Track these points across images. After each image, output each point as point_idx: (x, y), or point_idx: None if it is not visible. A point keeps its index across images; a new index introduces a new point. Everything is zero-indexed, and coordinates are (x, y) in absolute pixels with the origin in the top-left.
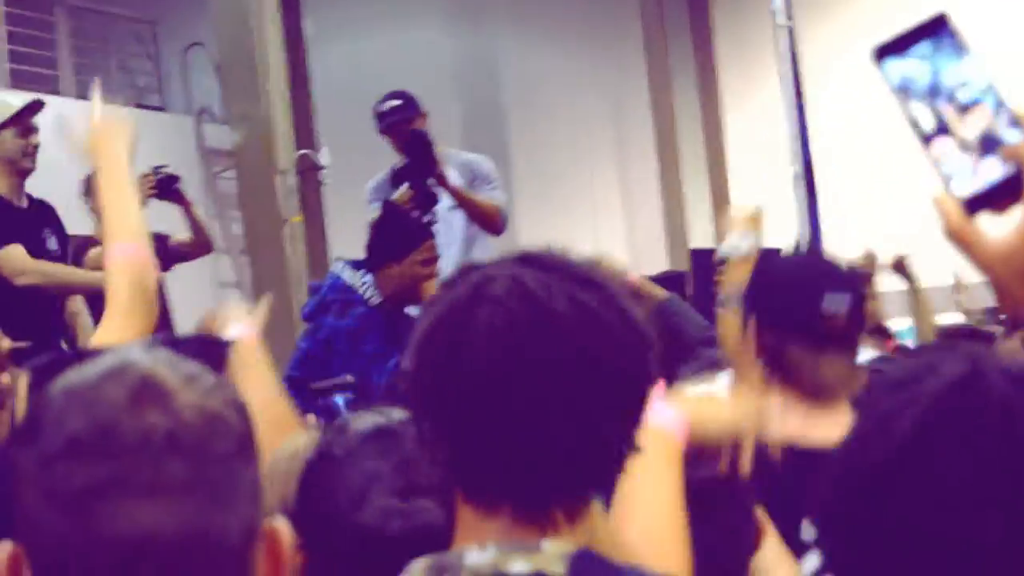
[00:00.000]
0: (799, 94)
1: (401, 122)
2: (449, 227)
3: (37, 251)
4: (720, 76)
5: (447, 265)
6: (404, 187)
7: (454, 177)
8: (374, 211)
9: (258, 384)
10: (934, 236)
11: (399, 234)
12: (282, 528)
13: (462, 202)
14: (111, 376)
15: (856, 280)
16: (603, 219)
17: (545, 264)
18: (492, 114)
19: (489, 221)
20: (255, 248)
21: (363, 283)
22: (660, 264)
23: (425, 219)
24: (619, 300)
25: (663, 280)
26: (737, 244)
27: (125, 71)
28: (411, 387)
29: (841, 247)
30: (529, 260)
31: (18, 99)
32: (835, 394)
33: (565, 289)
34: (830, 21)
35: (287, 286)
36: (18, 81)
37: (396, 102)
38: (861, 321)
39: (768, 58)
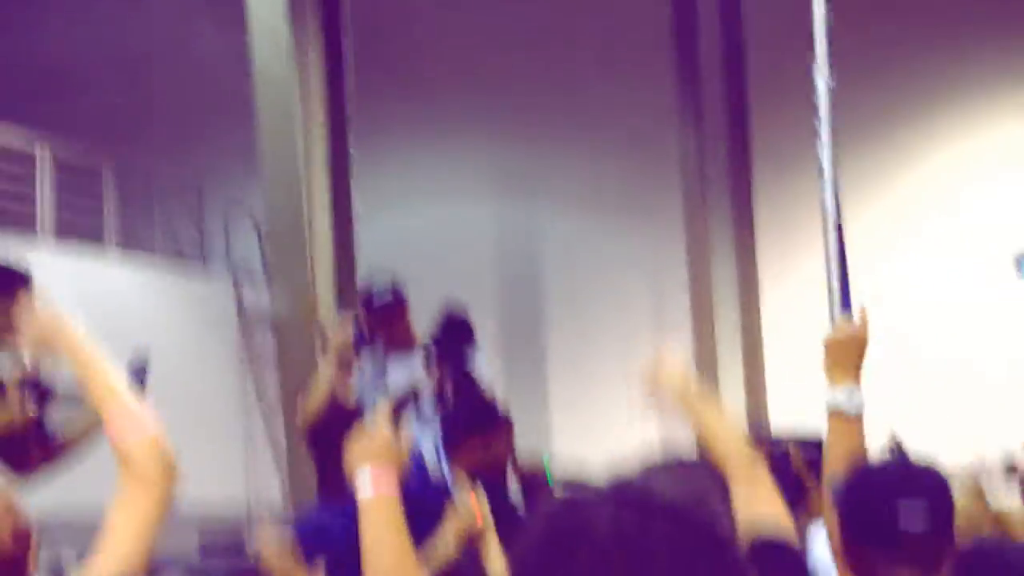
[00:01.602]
0: (845, 285)
1: (395, 316)
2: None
3: None
4: (760, 262)
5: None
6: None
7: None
8: (375, 394)
9: (388, 546)
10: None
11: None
12: None
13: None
14: None
15: (940, 489)
16: (637, 394)
17: (648, 505)
18: (532, 288)
19: None
20: (292, 412)
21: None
22: (690, 439)
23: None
24: (723, 545)
25: (701, 466)
26: (846, 400)
27: (168, 230)
28: None
29: (883, 432)
30: (630, 501)
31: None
32: None
33: (669, 533)
34: (877, 210)
35: None
36: (65, 236)
37: (388, 299)
38: (946, 532)
39: (808, 240)
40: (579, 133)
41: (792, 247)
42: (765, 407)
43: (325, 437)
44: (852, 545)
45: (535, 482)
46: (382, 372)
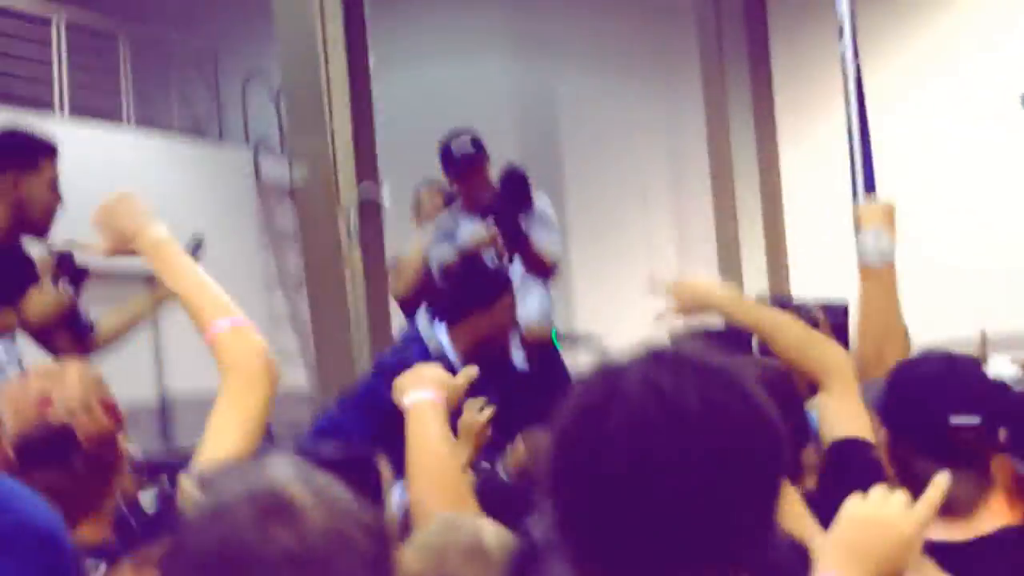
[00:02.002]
0: (866, 137)
1: (474, 170)
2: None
3: None
4: (778, 114)
5: None
6: (486, 224)
7: None
8: (441, 250)
9: (431, 450)
10: (1005, 273)
11: (487, 281)
12: None
13: (527, 255)
14: (245, 494)
15: (992, 393)
16: (657, 258)
17: (677, 362)
18: (548, 148)
19: (543, 269)
20: (314, 285)
21: (437, 343)
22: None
23: (503, 261)
24: (751, 395)
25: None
26: (873, 246)
27: (184, 100)
28: (549, 488)
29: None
30: (661, 357)
31: (80, 129)
32: (964, 511)
33: (698, 388)
34: (895, 58)
35: (347, 324)
36: (79, 110)
37: (470, 149)
38: (994, 437)
39: (828, 98)
40: None
41: (811, 105)
42: (787, 273)
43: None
44: (898, 450)
45: (542, 349)
46: (454, 229)
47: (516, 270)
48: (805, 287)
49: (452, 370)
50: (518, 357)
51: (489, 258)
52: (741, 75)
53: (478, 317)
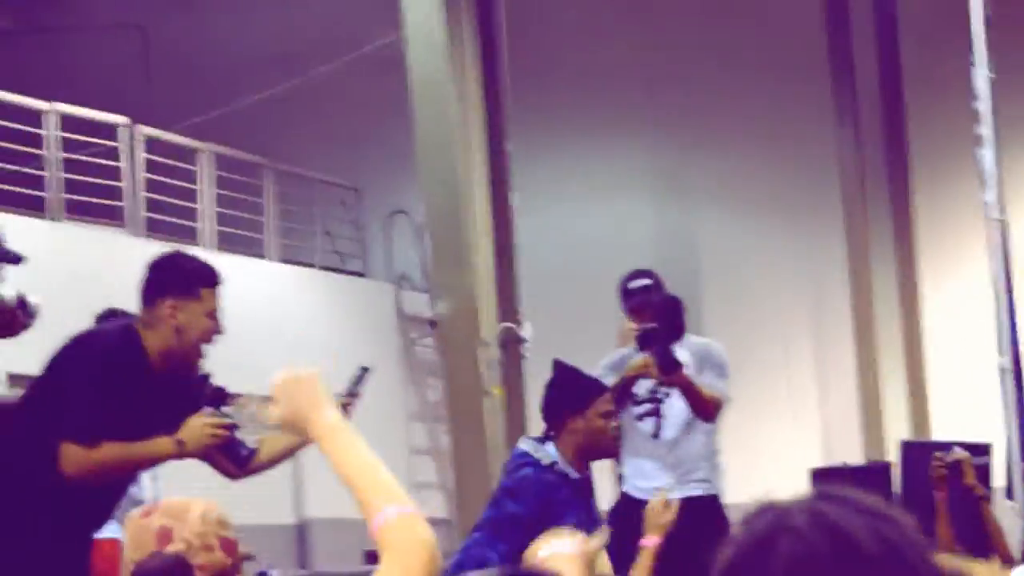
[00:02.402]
0: (1009, 285)
1: (643, 306)
2: (671, 407)
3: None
4: (920, 263)
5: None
6: (644, 355)
7: (684, 357)
8: (607, 382)
9: None
10: None
11: (580, 386)
12: None
13: (687, 391)
14: None
15: None
16: (798, 401)
17: (845, 499)
18: (690, 291)
19: (705, 409)
20: (455, 418)
21: (553, 461)
22: (854, 451)
23: (658, 394)
24: (918, 538)
25: (867, 470)
26: None
27: (328, 236)
28: None
29: None
30: (827, 495)
31: (225, 262)
32: None
33: (868, 523)
34: None
35: (486, 458)
36: (225, 243)
37: (646, 281)
38: None
39: (971, 247)
40: (736, 132)
41: (953, 248)
42: (927, 413)
43: None
44: None
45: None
46: (622, 362)
47: (678, 406)
48: (947, 431)
49: (567, 480)
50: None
51: (648, 386)
52: (884, 222)
53: (574, 422)
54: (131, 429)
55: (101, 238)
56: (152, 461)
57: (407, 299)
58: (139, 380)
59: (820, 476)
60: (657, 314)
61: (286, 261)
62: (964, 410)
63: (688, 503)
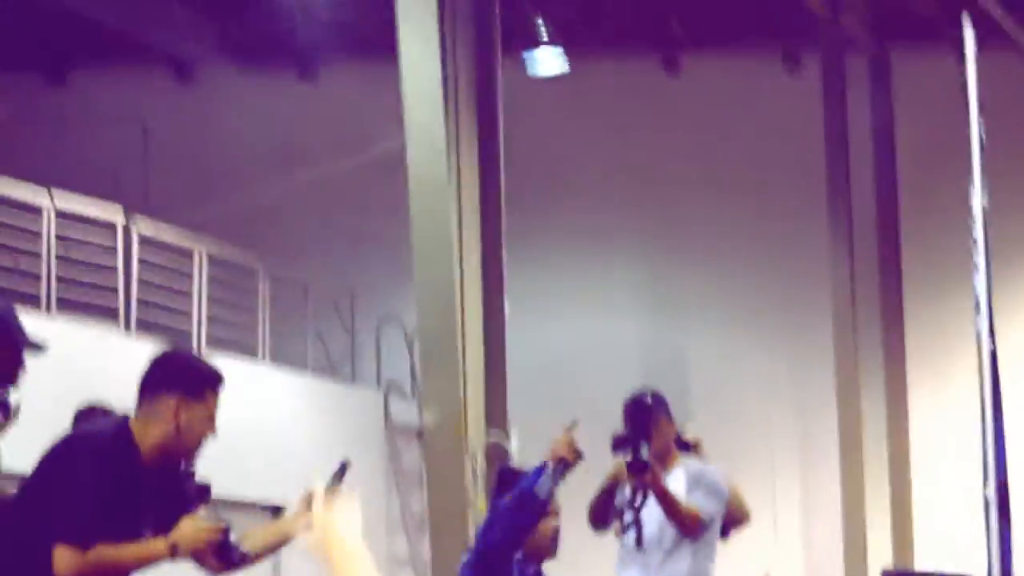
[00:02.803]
0: (998, 415)
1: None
2: (650, 515)
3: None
4: (910, 390)
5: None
6: (616, 463)
7: (678, 477)
8: None
9: None
10: None
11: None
12: None
13: (661, 497)
14: None
15: None
16: (782, 524)
17: None
18: (677, 409)
19: (681, 522)
20: (438, 528)
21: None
22: (836, 573)
23: (640, 500)
24: None
25: None
26: None
27: (319, 341)
28: None
29: None
30: None
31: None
32: None
33: None
34: None
35: None
36: (217, 345)
37: (638, 402)
38: None
39: (961, 376)
40: (729, 250)
41: (943, 375)
42: (911, 542)
43: None
44: None
45: None
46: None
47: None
48: (930, 562)
49: None
50: None
51: (626, 495)
52: (873, 341)
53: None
54: (121, 526)
55: (94, 335)
56: (145, 563)
57: (396, 406)
58: (130, 476)
59: None
60: (625, 417)
61: (277, 364)
62: (948, 541)
63: None
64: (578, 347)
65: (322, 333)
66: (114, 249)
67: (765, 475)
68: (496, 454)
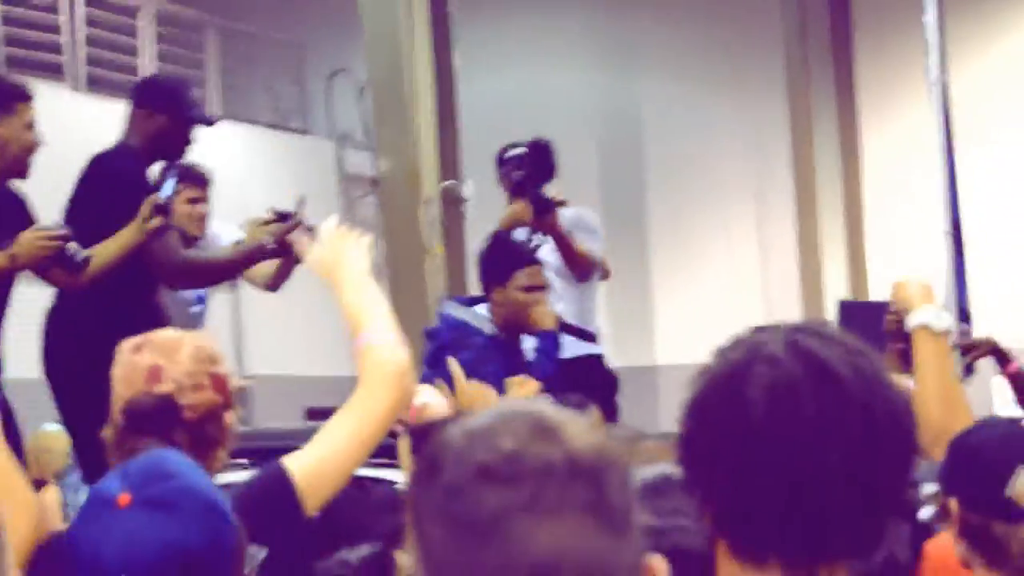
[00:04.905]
0: (950, 151)
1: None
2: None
3: None
4: (863, 130)
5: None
6: (520, 203)
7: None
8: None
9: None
10: None
11: (502, 258)
12: (659, 565)
13: (560, 242)
14: (506, 418)
15: None
16: (739, 262)
17: (819, 332)
18: (630, 156)
19: (578, 264)
20: (396, 277)
21: (476, 316)
22: (792, 307)
23: (533, 242)
24: (888, 374)
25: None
26: (935, 317)
27: (270, 93)
28: (685, 444)
29: (987, 310)
30: (802, 328)
31: None
32: None
33: (841, 352)
34: (984, 77)
35: (427, 317)
36: None
37: (522, 149)
38: None
39: (911, 109)
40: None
41: (895, 113)
42: (865, 280)
43: None
44: (973, 514)
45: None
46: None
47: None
48: (885, 294)
49: (493, 343)
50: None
51: (523, 234)
52: (826, 89)
53: (496, 293)
54: None
55: (42, 92)
56: None
57: (349, 158)
58: None
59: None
60: (526, 158)
61: (227, 118)
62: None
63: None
64: (531, 96)
65: (273, 86)
66: (58, 6)
67: (720, 222)
68: (451, 200)
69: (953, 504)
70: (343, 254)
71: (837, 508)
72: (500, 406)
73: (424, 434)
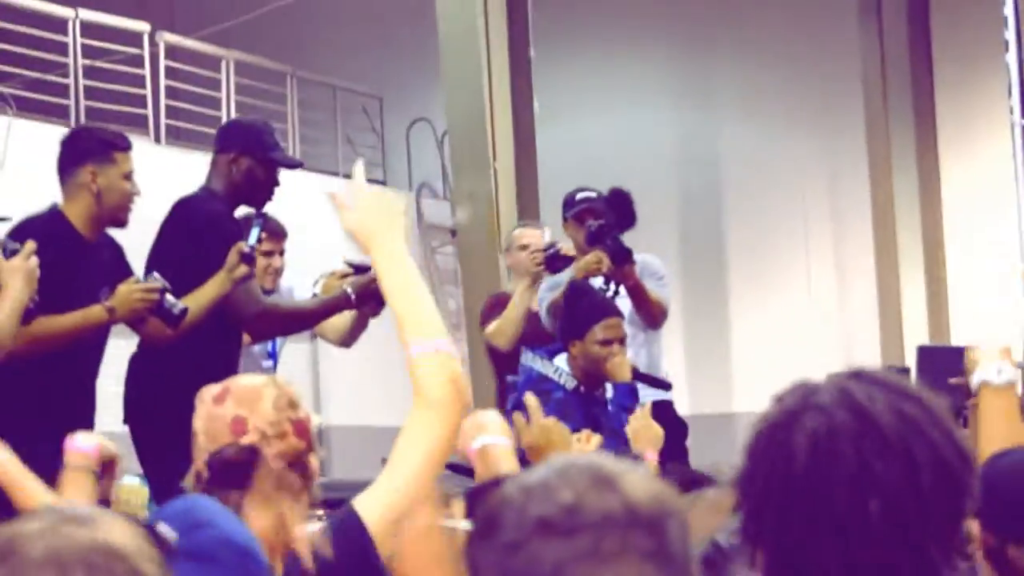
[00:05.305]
0: None
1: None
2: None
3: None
4: (943, 170)
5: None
6: (596, 252)
7: None
8: (552, 295)
9: None
10: None
11: (579, 312)
12: None
13: (635, 292)
14: (563, 471)
15: None
16: (816, 301)
17: (874, 379)
18: (709, 196)
19: (650, 313)
20: (474, 326)
21: (556, 370)
22: (872, 349)
23: (612, 291)
24: (944, 419)
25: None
26: (995, 374)
27: (349, 144)
28: (740, 488)
29: None
30: (859, 375)
31: None
32: None
33: (891, 402)
34: None
35: None
36: None
37: (592, 193)
38: None
39: (994, 153)
40: (759, 37)
41: (976, 153)
42: (947, 314)
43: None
44: (993, 536)
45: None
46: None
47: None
48: (966, 338)
49: (573, 397)
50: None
51: (598, 285)
52: (906, 128)
53: (574, 347)
54: (77, 304)
55: None
56: (85, 329)
57: (428, 208)
58: (72, 255)
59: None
60: (606, 206)
61: (307, 169)
62: (983, 317)
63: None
64: (609, 143)
65: (352, 136)
66: (141, 59)
67: (800, 262)
68: None
69: (974, 526)
70: (381, 221)
71: (880, 552)
72: (556, 460)
73: (480, 495)
